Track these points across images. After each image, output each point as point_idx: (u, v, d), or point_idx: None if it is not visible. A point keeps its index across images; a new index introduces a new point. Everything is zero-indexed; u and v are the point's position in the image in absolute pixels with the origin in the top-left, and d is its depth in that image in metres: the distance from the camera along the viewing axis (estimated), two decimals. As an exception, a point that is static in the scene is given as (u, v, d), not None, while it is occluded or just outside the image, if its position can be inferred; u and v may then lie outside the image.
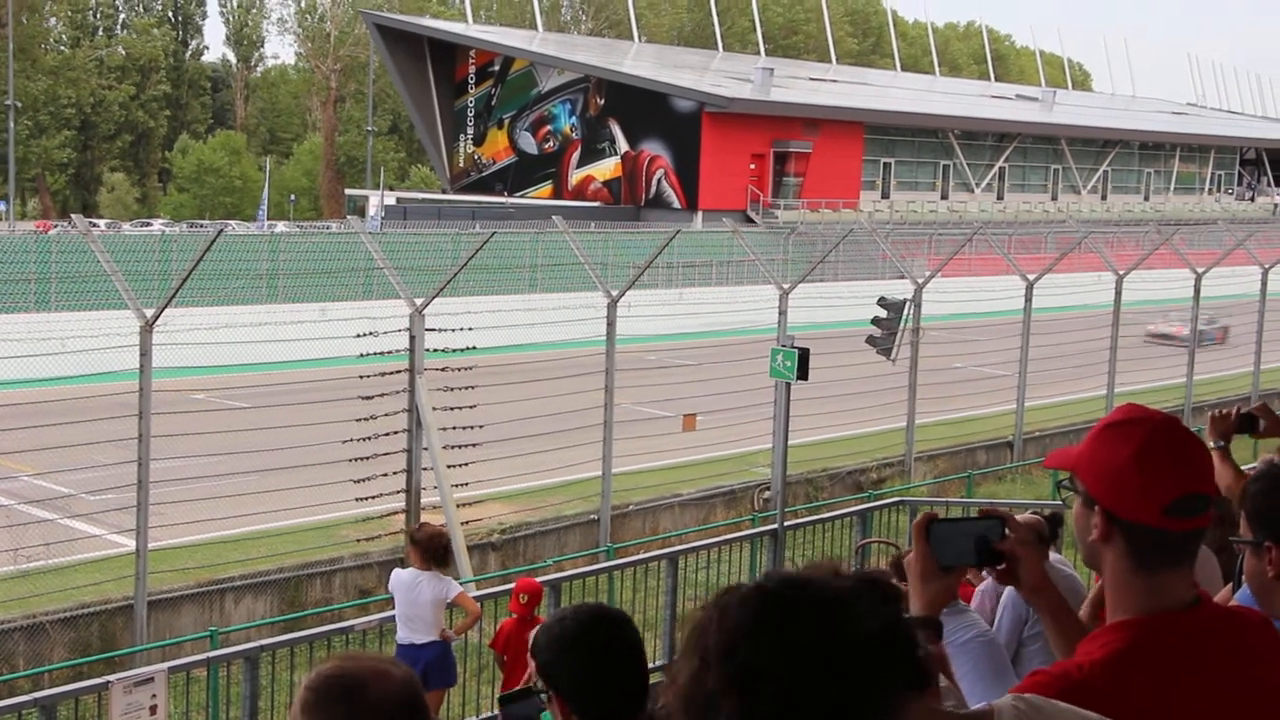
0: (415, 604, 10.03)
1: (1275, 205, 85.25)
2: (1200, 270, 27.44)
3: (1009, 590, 7.57)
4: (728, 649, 1.76)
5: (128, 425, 13.45)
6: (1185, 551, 2.39)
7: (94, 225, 28.72)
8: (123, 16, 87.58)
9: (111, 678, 9.29)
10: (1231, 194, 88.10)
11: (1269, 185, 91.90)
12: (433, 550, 10.09)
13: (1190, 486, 2.35)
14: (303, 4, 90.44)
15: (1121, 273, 25.53)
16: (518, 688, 3.10)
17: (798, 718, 1.71)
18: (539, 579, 11.44)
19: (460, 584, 11.02)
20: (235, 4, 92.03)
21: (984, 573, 3.13)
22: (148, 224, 63.58)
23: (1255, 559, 2.73)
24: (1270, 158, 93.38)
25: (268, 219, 62.99)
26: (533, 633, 2.93)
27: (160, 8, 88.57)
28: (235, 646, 10.80)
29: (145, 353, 13.28)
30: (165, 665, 9.79)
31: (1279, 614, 2.74)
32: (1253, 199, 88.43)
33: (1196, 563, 5.38)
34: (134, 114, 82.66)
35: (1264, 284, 28.89)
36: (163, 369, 14.55)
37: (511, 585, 10.95)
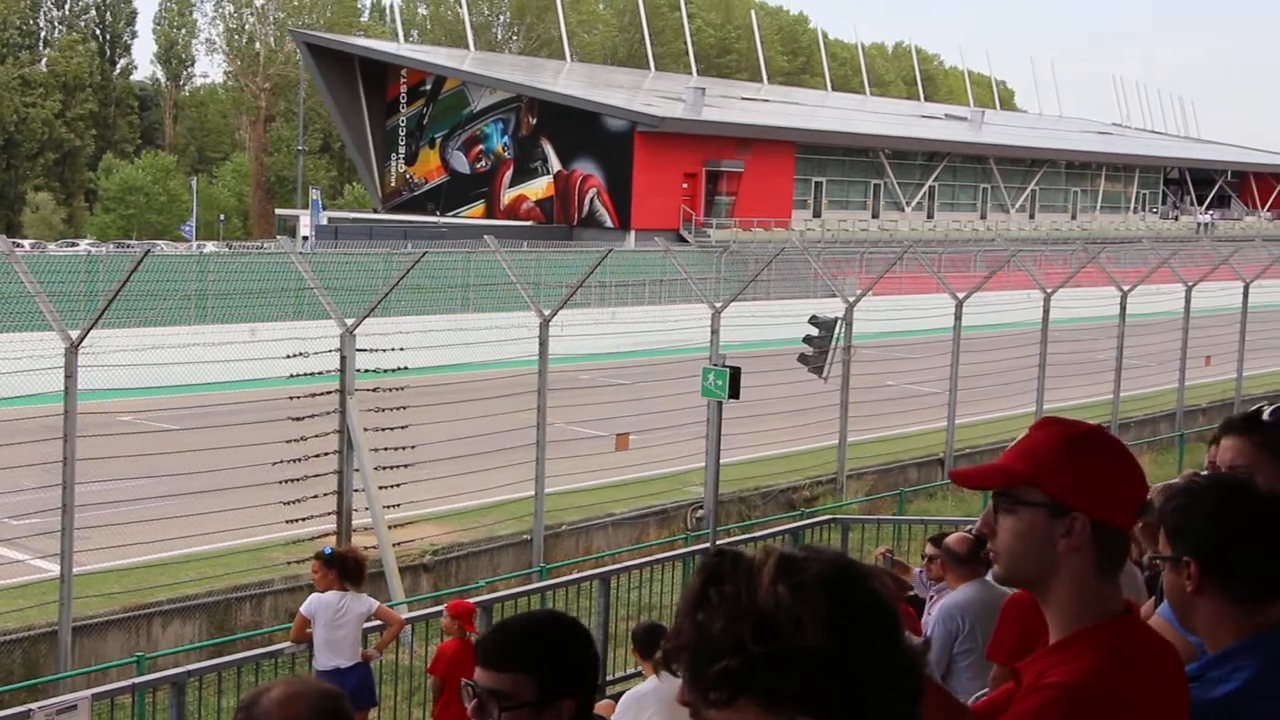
0: (342, 625, 9.92)
1: (1199, 224, 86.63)
2: (1126, 288, 27.82)
3: (939, 606, 7.64)
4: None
5: (52, 448, 13.25)
6: (1126, 555, 2.52)
7: (18, 245, 28.30)
8: (44, 34, 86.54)
9: (34, 705, 9.14)
10: (1156, 213, 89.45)
11: (1192, 204, 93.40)
12: (351, 571, 9.97)
13: (1145, 489, 2.50)
14: (231, 24, 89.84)
15: (1049, 291, 25.82)
16: None
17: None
18: (471, 600, 11.39)
19: (391, 605, 10.95)
20: (165, 23, 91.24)
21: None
22: (74, 244, 62.75)
23: (1174, 574, 2.76)
24: (1193, 177, 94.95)
25: (196, 239, 62.40)
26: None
27: (85, 24, 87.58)
28: (162, 672, 10.65)
29: (70, 374, 13.09)
30: (90, 692, 9.64)
31: (1195, 629, 2.78)
32: (1176, 218, 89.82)
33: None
34: (58, 132, 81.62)
35: (1188, 302, 29.34)
36: (89, 391, 14.35)
37: (443, 606, 10.85)
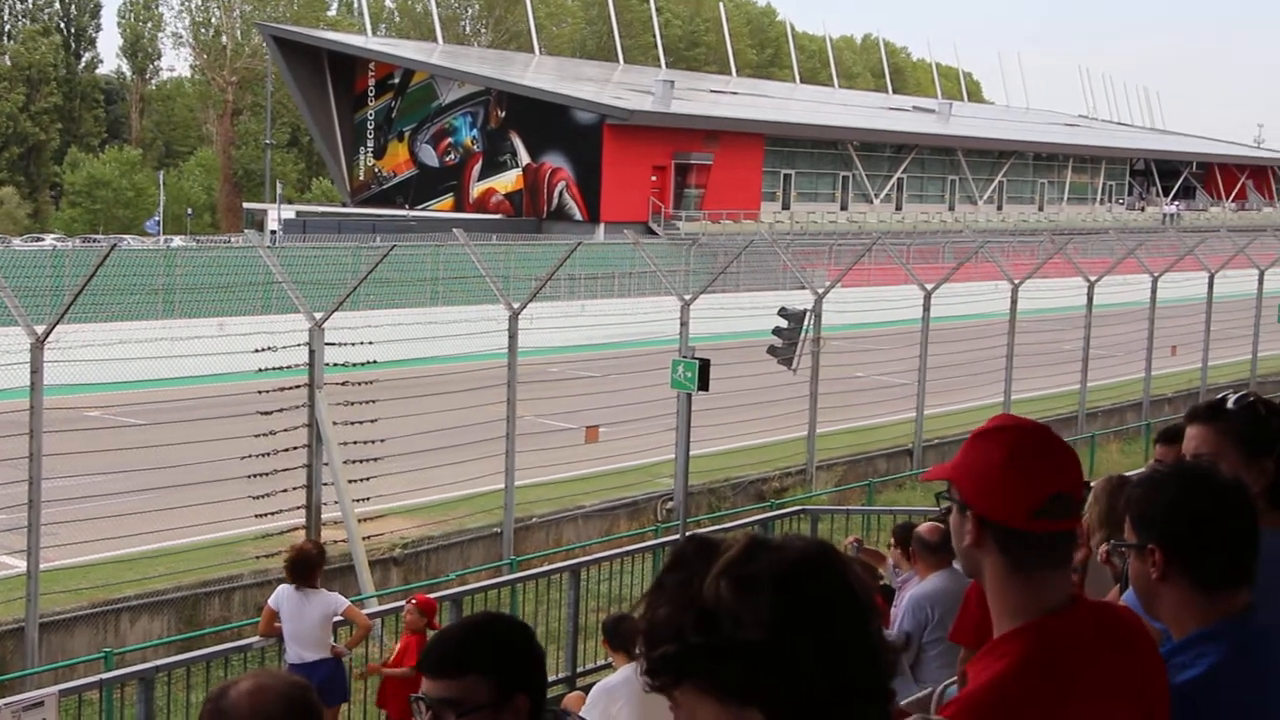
0: (303, 621, 9.92)
1: (1164, 215, 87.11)
2: (1093, 279, 27.97)
3: (909, 596, 7.68)
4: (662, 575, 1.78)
5: (18, 444, 13.17)
6: (1057, 552, 2.46)
7: (-17, 240, 28.04)
8: (7, 27, 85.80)
9: (0, 702, 9.09)
10: (1122, 204, 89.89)
11: (1158, 195, 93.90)
12: (299, 568, 9.94)
13: (1054, 488, 2.43)
14: (197, 17, 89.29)
15: (1017, 282, 25.95)
16: None
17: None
18: (441, 593, 11.40)
19: (360, 599, 10.93)
20: (131, 16, 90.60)
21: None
22: (39, 239, 62.31)
23: (1139, 562, 2.78)
24: (1159, 168, 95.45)
25: (164, 233, 62.03)
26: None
27: (49, 17, 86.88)
28: (130, 668, 10.60)
29: (36, 370, 13.01)
30: (56, 688, 9.60)
31: (1159, 616, 2.80)
32: (1143, 209, 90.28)
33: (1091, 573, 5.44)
34: (22, 125, 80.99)
35: (1153, 292, 29.52)
36: (55, 386, 14.28)
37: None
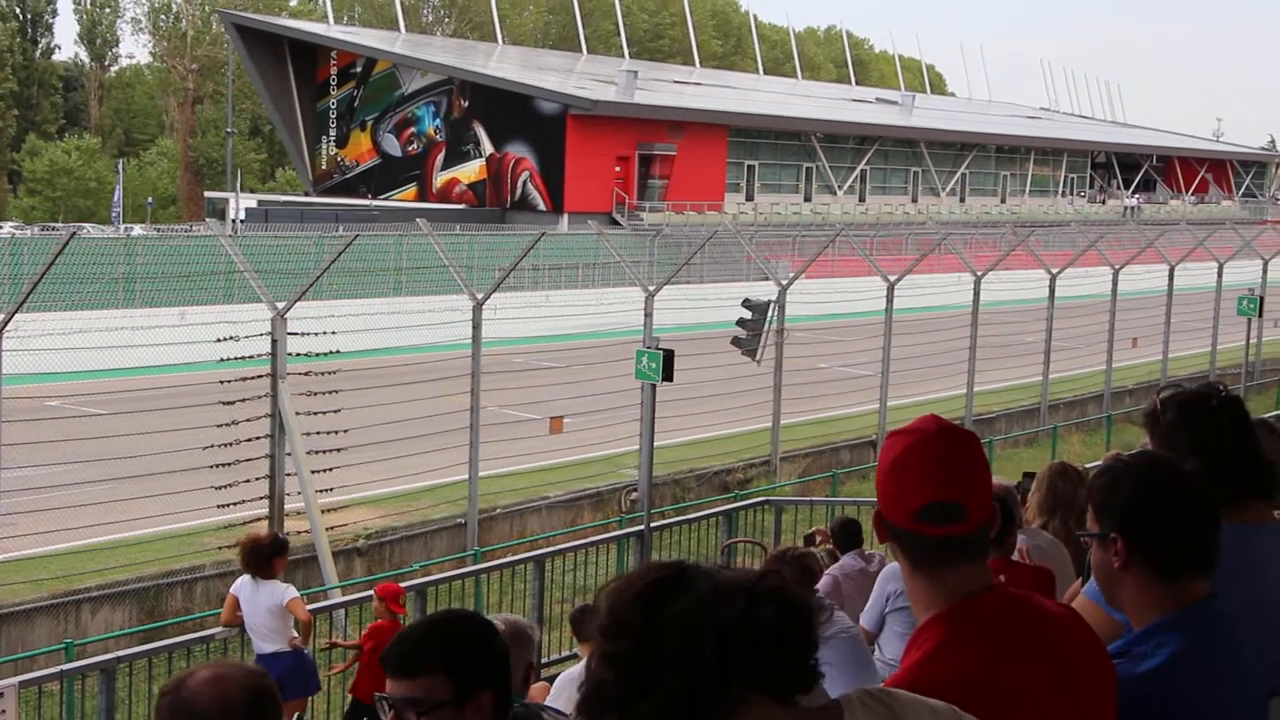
0: (254, 613, 9.93)
1: (1125, 208, 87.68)
2: (1055, 271, 28.14)
3: (887, 568, 7.75)
4: (615, 612, 1.93)
5: (-23, 434, 13.07)
6: (956, 553, 2.50)
7: (-60, 228, 27.76)
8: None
9: (-39, 694, 9.02)
10: (1084, 197, 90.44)
11: (1119, 188, 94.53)
12: (249, 558, 9.95)
13: (934, 496, 2.48)
14: (157, 3, 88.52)
15: (980, 274, 26.07)
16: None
17: (646, 692, 1.85)
18: (406, 584, 11.37)
19: (324, 589, 10.89)
20: (88, 2, 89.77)
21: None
22: (-3, 227, 61.74)
23: (1101, 551, 2.81)
24: (1120, 161, 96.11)
25: (123, 221, 61.55)
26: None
27: (6, 4, 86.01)
28: (91, 659, 10.54)
29: (-5, 359, 12.92)
30: (16, 680, 9.53)
31: (1121, 605, 2.83)
32: (1104, 202, 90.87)
33: (1048, 554, 5.52)
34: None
35: (1114, 284, 29.72)
36: (14, 376, 14.16)
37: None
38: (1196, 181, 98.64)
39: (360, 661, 10.28)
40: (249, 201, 58.59)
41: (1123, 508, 2.77)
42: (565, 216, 57.23)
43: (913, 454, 2.51)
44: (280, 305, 15.38)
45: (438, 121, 63.68)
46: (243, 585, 10.01)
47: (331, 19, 77.71)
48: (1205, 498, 2.79)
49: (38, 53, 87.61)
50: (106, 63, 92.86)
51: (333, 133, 66.80)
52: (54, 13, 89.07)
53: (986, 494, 2.55)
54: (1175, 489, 2.77)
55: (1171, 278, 31.41)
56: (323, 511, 15.80)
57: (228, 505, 15.44)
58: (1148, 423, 3.47)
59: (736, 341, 21.39)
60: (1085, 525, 2.89)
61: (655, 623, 1.87)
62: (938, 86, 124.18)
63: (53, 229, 56.34)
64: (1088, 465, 6.98)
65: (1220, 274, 33.07)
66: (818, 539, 10.27)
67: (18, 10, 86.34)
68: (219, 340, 15.70)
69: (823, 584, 7.95)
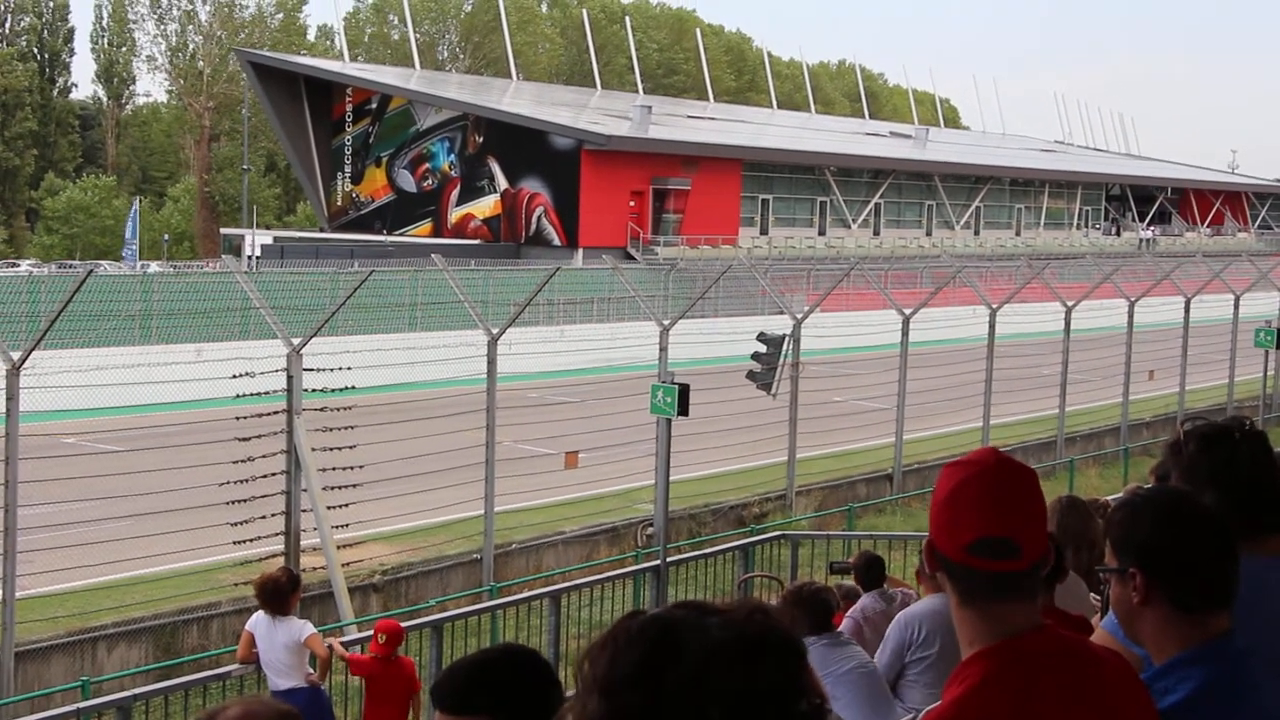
0: (271, 649, 9.91)
1: (1140, 240, 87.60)
2: (1070, 303, 28.09)
3: (902, 613, 7.70)
4: (608, 686, 1.82)
5: (-6, 471, 13.09)
6: (1007, 589, 2.48)
7: (-41, 266, 27.88)
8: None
9: (-23, 732, 9.02)
10: (1099, 229, 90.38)
11: (1134, 220, 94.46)
12: (269, 595, 9.94)
13: (987, 530, 2.45)
14: (174, 41, 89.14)
15: (995, 306, 26.04)
16: None
17: None
18: (421, 620, 11.36)
19: (340, 626, 10.87)
20: (105, 41, 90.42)
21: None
22: (15, 265, 62.05)
23: (1120, 586, 2.79)
24: (1134, 193, 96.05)
25: (140, 259, 61.82)
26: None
27: (25, 43, 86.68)
28: (108, 696, 10.53)
29: (12, 396, 12.96)
30: (33, 718, 9.52)
31: (1141, 640, 2.81)
32: (1118, 234, 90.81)
33: (1068, 590, 5.47)
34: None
35: (1130, 317, 29.66)
36: (31, 413, 14.21)
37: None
38: (1212, 214, 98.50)
39: (366, 694, 10.26)
40: (265, 238, 58.82)
41: (1141, 542, 2.76)
42: (580, 251, 57.34)
43: (969, 487, 2.49)
44: (296, 341, 15.42)
45: (452, 157, 63.93)
46: (258, 622, 10.00)
47: (347, 56, 78.20)
48: (1224, 531, 2.77)
49: (55, 92, 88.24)
50: (123, 101, 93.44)
51: (348, 169, 67.09)
52: (71, 52, 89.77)
53: (1041, 531, 2.53)
54: (1193, 523, 2.76)
55: (1188, 310, 31.34)
56: (338, 547, 15.79)
57: (243, 541, 15.43)
58: (1170, 454, 3.45)
59: (752, 375, 21.38)
60: (1100, 559, 2.87)
61: (657, 703, 1.81)
62: (951, 120, 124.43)
63: (70, 266, 56.63)
64: (1107, 498, 6.96)
65: (1237, 306, 32.99)
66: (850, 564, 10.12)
67: (36, 50, 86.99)
68: (235, 376, 15.74)
69: (845, 627, 7.92)
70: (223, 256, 54.67)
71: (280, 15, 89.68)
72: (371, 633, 10.57)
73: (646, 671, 1.83)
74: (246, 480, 15.32)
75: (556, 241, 59.85)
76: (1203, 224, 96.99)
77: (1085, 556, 5.81)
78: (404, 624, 11.04)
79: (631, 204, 61.22)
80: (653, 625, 1.87)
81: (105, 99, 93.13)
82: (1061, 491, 7.83)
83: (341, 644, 10.89)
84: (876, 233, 73.86)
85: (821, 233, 71.01)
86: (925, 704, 6.70)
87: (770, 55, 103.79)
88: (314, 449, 15.64)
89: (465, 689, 2.69)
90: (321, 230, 67.51)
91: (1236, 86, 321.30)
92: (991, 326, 25.78)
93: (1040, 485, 2.58)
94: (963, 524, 2.47)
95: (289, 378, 15.35)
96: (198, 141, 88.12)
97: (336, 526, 15.83)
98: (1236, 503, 3.11)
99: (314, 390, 16.00)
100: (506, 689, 2.68)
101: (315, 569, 15.32)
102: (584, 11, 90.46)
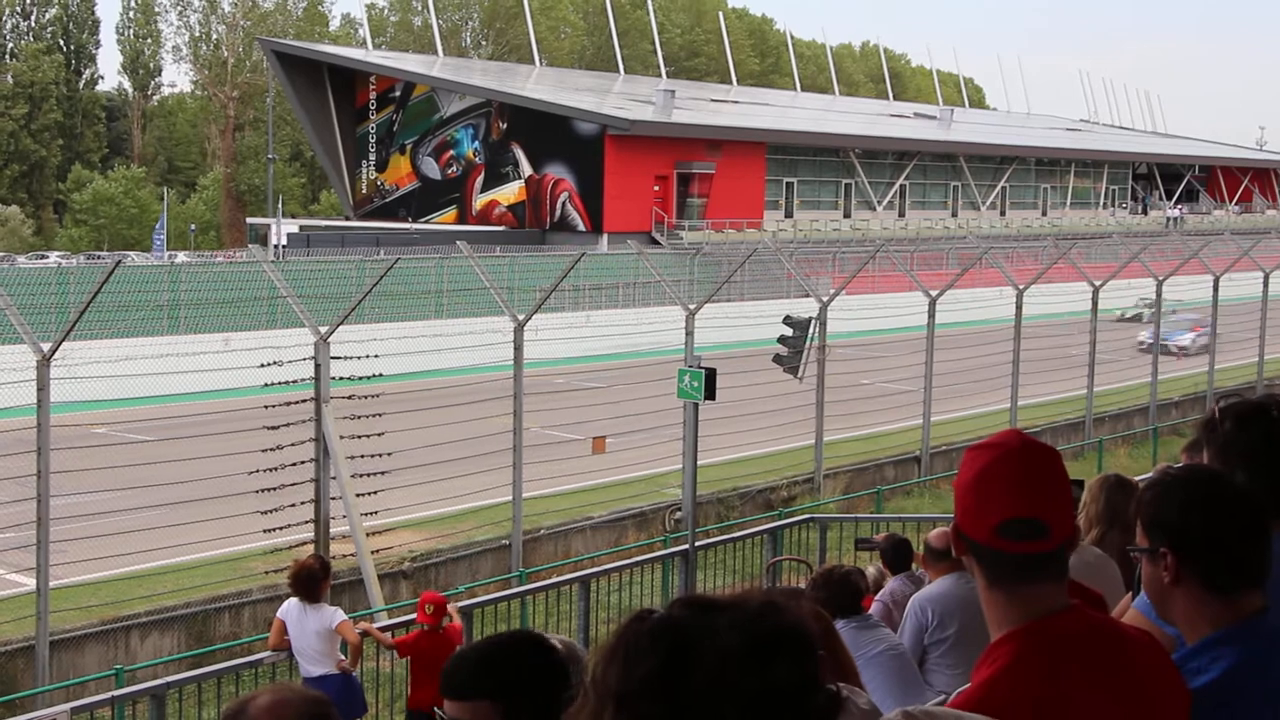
0: (303, 636, 9.97)
1: (1167, 218, 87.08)
2: (1097, 283, 27.97)
3: (913, 599, 7.70)
4: (624, 698, 1.84)
5: (26, 462, 13.19)
6: (1035, 570, 2.48)
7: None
8: (10, 46, 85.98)
9: (13, 720, 9.10)
10: (1125, 208, 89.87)
11: (1160, 199, 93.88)
12: (298, 583, 10.00)
13: (1014, 512, 2.46)
14: (198, 31, 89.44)
15: (1021, 287, 25.94)
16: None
17: None
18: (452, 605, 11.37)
19: (370, 613, 10.92)
20: (130, 33, 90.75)
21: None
22: (44, 256, 62.40)
23: (1151, 566, 2.79)
24: (1161, 172, 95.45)
25: (167, 249, 62.09)
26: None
27: (51, 35, 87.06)
28: (141, 684, 10.61)
29: (43, 387, 13.04)
30: (68, 706, 9.61)
31: (1173, 620, 2.80)
32: (1145, 212, 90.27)
33: (1096, 570, 5.45)
34: (24, 143, 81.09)
35: (1158, 296, 29.50)
36: (62, 403, 14.31)
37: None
38: (1240, 191, 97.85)
39: (410, 672, 10.31)
40: (290, 227, 58.98)
41: (1172, 522, 2.75)
42: (605, 236, 57.32)
43: (995, 469, 2.49)
44: (323, 329, 15.47)
45: (476, 144, 63.97)
46: (290, 609, 10.06)
47: (370, 44, 78.27)
48: (1255, 510, 2.76)
49: (81, 84, 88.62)
50: (149, 92, 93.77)
51: (372, 157, 67.20)
52: (97, 44, 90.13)
53: (1068, 512, 2.54)
54: (1224, 502, 2.75)
55: (1216, 288, 31.15)
56: (368, 534, 15.86)
57: (273, 530, 15.52)
58: (1205, 431, 3.44)
59: (778, 359, 21.35)
60: (1134, 539, 2.87)
61: (674, 712, 1.81)
62: (976, 100, 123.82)
63: (98, 258, 56.92)
64: (1138, 478, 6.92)
65: (1266, 283, 32.77)
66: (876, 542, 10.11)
67: (62, 43, 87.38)
68: (263, 365, 15.80)
69: (874, 610, 7.91)
70: (249, 246, 54.74)
71: (303, 4, 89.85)
72: (410, 615, 10.59)
73: (662, 682, 1.82)
74: (276, 469, 15.39)
75: (581, 227, 59.85)
76: (1231, 201, 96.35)
77: (1125, 536, 5.78)
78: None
79: (656, 188, 61.15)
80: (664, 633, 1.85)
81: (131, 90, 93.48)
82: (1091, 472, 7.80)
83: (377, 629, 10.94)
84: (902, 214, 73.63)
85: (846, 215, 70.82)
86: (951, 687, 6.69)
87: (793, 37, 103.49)
88: (342, 437, 15.70)
89: (470, 675, 2.71)
90: (347, 219, 67.67)
91: (1263, 63, 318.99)
92: (1018, 307, 25.68)
93: (1065, 466, 2.58)
94: (991, 506, 2.47)
95: (316, 366, 15.41)
96: (223, 131, 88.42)
97: (365, 514, 15.90)
98: (1270, 480, 3.11)
99: (342, 378, 16.06)
100: (511, 675, 2.69)
101: (345, 556, 15.39)
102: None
